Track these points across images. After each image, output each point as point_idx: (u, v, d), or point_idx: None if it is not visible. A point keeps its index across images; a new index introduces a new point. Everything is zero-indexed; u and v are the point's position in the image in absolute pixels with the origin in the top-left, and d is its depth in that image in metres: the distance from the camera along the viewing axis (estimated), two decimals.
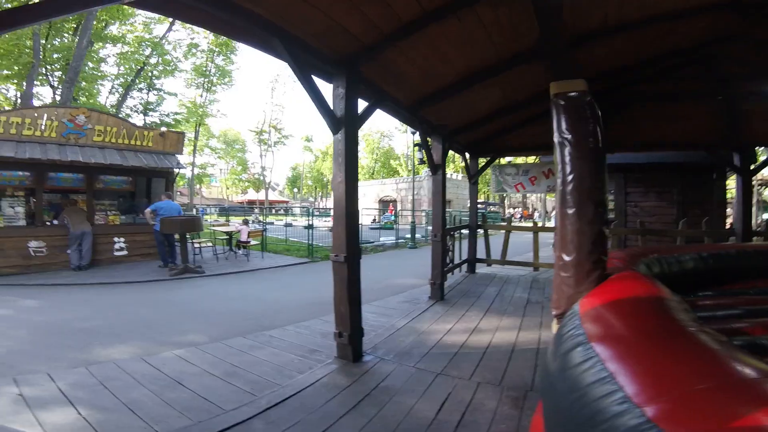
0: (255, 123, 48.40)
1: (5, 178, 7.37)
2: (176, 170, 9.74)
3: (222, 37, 25.85)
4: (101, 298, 5.76)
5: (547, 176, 7.21)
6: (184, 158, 13.25)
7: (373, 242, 12.61)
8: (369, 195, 31.39)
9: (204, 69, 27.48)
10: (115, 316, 4.82)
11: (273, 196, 43.71)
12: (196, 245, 9.06)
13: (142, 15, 21.40)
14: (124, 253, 8.47)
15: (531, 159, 12.03)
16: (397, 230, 13.73)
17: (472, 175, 7.02)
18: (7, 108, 14.52)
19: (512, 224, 9.26)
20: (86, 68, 18.71)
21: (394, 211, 21.77)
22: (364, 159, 50.78)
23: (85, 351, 3.58)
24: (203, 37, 25.78)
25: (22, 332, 4.08)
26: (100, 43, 19.96)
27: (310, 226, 10.86)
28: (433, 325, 4.12)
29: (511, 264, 7.20)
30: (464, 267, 7.13)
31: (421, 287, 6.07)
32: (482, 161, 7.25)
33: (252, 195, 47.30)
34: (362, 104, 3.42)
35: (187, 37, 24.86)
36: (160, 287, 6.65)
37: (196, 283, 7.03)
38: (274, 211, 25.60)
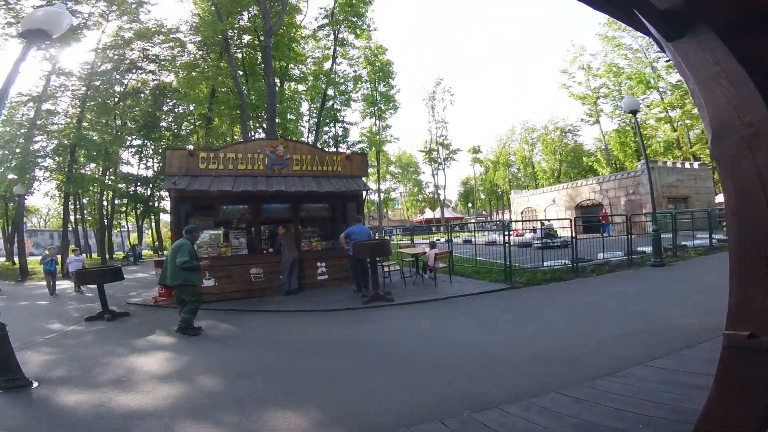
0: (422, 142, 49.97)
1: (230, 212, 8.60)
2: (364, 192, 9.76)
3: (377, 63, 28.01)
4: (294, 331, 5.63)
5: None
6: (370, 184, 13.74)
7: (590, 260, 9.53)
8: (559, 201, 27.07)
9: (372, 98, 29.87)
10: (298, 356, 4.32)
11: (447, 213, 43.55)
12: (386, 269, 8.73)
13: (311, 57, 25.62)
14: (325, 277, 8.76)
15: None
16: (629, 242, 9.91)
17: None
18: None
19: None
20: (287, 112, 22.77)
21: (608, 218, 17.21)
22: (544, 162, 45.20)
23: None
24: (362, 67, 28.18)
25: (190, 381, 3.76)
26: (289, 84, 24.19)
27: (507, 244, 8.93)
28: None
29: None
30: None
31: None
32: None
33: (428, 214, 48.60)
34: None
35: (349, 69, 27.85)
36: (351, 319, 6.21)
37: (387, 313, 6.32)
38: (450, 228, 24.62)
